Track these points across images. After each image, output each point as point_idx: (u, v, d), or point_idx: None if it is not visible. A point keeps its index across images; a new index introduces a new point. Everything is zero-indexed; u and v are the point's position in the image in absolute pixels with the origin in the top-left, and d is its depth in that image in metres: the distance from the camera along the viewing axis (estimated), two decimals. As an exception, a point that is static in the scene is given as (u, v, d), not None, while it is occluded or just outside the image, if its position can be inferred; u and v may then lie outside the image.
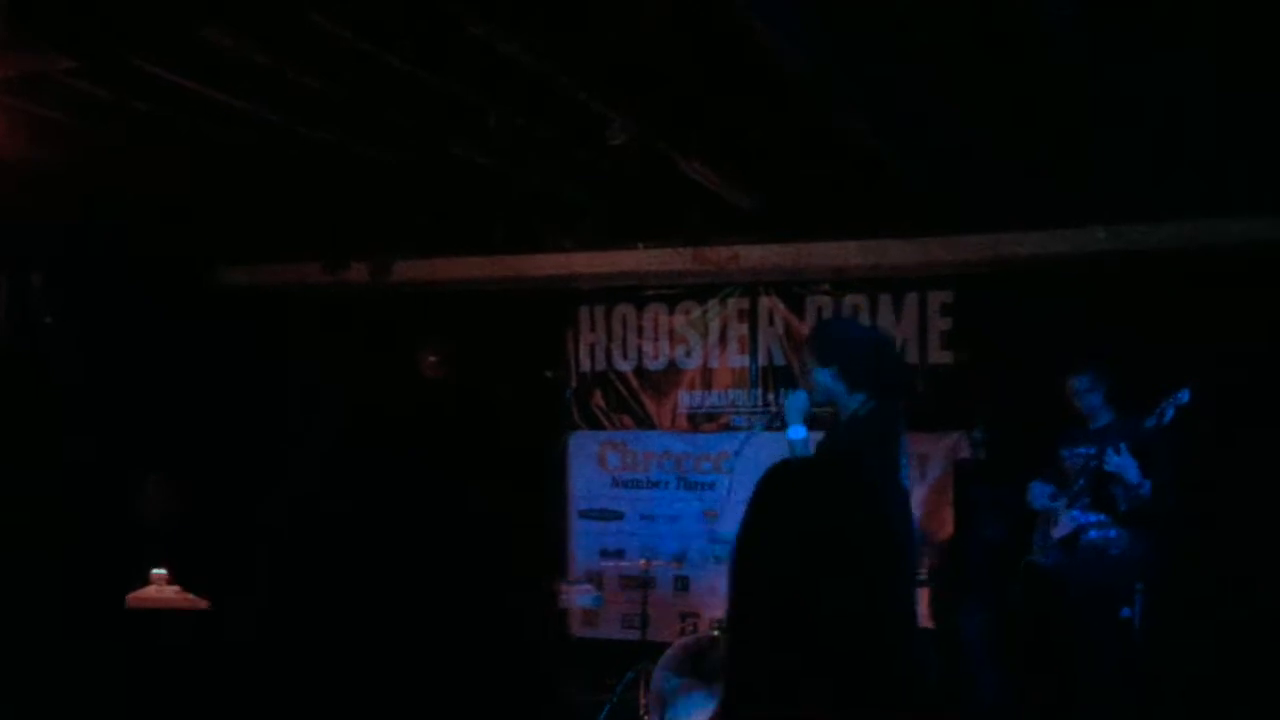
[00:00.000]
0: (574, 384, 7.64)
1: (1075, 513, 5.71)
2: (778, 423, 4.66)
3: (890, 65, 4.59)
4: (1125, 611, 5.54)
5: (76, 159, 5.72)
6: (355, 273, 7.37)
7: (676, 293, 7.45)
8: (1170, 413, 5.29)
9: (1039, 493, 5.91)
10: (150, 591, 6.02)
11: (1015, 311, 6.56)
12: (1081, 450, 5.78)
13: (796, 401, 4.52)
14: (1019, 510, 6.02)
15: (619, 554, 7.33)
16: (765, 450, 4.35)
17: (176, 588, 5.96)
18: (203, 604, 5.88)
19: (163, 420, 6.84)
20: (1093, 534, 5.68)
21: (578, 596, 6.88)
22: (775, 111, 5.05)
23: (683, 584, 7.29)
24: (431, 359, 6.40)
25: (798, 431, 4.46)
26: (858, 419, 4.37)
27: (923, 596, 6.79)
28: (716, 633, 6.26)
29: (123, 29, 4.19)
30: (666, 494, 7.43)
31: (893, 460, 4.25)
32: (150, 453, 6.68)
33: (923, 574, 6.81)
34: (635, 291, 7.51)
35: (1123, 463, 5.43)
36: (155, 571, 6.03)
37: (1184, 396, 5.28)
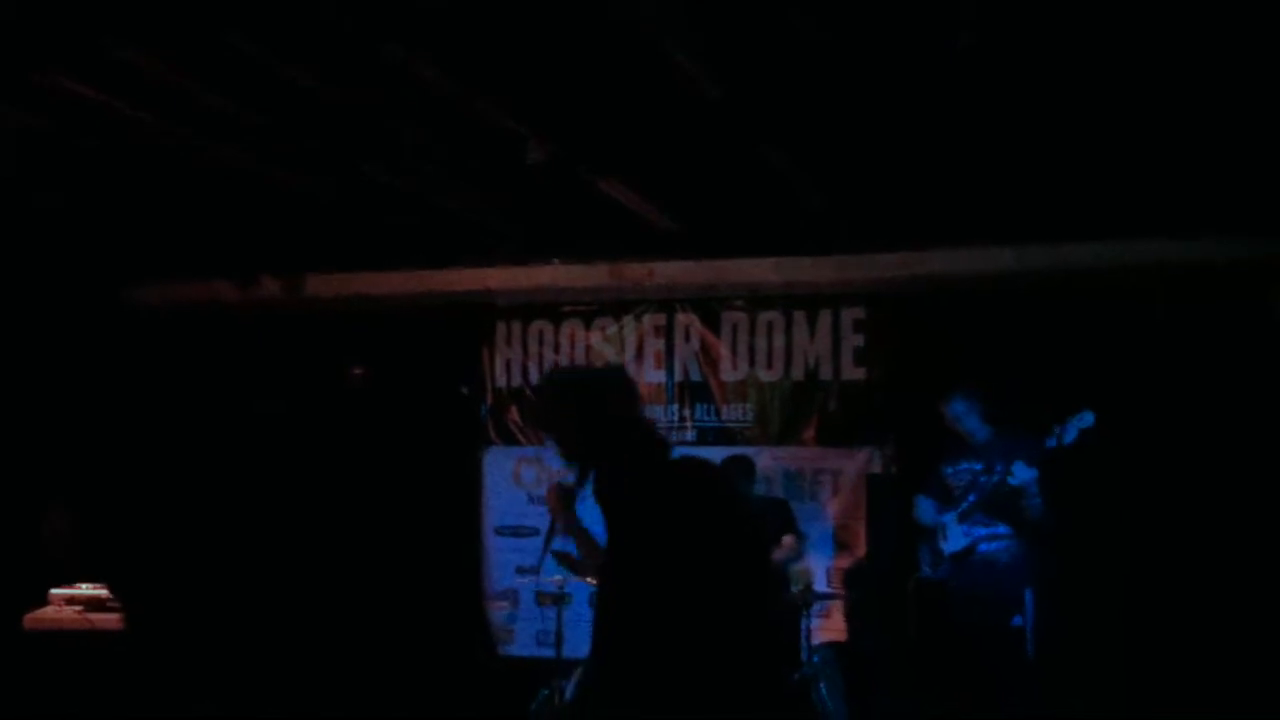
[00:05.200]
0: (490, 400, 7.60)
1: (966, 526, 5.76)
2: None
3: (804, 92, 4.65)
4: (1016, 620, 5.59)
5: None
6: (267, 289, 7.27)
7: (593, 309, 7.45)
8: (1073, 433, 5.33)
9: (925, 508, 5.96)
10: (49, 612, 5.83)
11: (926, 329, 6.68)
12: (965, 466, 5.83)
13: None
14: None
15: (535, 570, 7.27)
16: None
17: (78, 608, 5.80)
18: (113, 623, 5.72)
19: (70, 443, 6.66)
20: (983, 547, 5.73)
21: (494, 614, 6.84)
22: (692, 134, 5.09)
23: (599, 600, 7.27)
24: (356, 372, 6.30)
25: None
26: None
27: (836, 611, 6.90)
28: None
29: (29, 43, 4.10)
30: (583, 509, 7.36)
31: None
32: (55, 477, 6.51)
33: (837, 589, 6.91)
34: (552, 308, 7.49)
35: (1025, 478, 5.49)
36: (54, 591, 5.84)
37: (1088, 418, 5.31)
